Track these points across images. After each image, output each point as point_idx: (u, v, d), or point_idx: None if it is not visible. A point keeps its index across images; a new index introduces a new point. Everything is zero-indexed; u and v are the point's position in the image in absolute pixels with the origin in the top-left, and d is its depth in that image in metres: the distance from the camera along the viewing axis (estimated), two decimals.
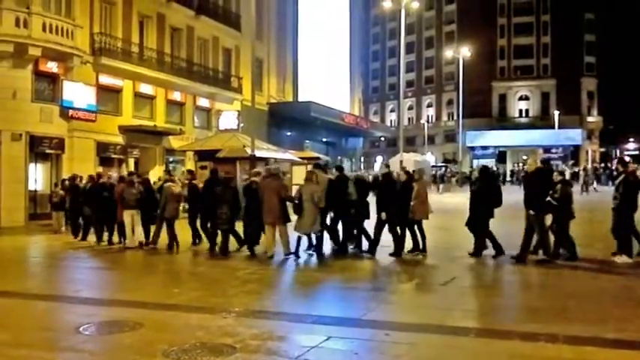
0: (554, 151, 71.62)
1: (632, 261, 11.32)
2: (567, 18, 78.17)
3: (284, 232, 12.88)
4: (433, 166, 57.48)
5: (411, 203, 12.67)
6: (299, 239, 12.84)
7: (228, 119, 33.67)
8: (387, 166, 18.37)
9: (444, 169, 56.40)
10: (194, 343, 6.46)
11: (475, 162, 66.48)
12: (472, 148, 76.03)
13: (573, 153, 74.22)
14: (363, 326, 7.29)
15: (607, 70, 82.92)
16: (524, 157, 64.74)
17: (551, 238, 11.90)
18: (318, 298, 9.58)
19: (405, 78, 51.27)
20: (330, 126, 48.17)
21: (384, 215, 12.65)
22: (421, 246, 12.90)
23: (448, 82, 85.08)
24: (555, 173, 12.53)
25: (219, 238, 13.83)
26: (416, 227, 12.95)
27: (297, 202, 12.77)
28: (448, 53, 60.40)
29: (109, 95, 28.68)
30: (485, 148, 77.32)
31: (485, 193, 12.29)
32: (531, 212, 11.51)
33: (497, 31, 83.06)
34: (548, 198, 11.51)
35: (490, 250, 12.29)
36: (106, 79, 28.22)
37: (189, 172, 16.46)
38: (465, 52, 51.90)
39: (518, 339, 6.61)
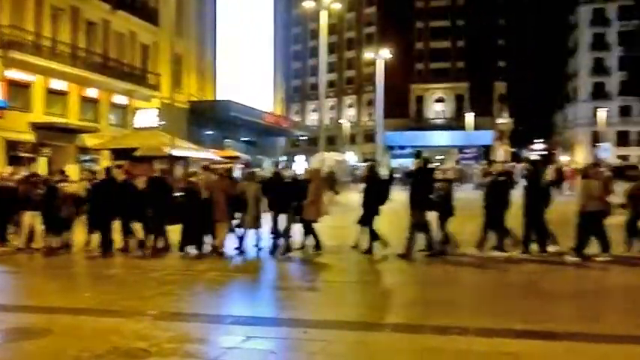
0: (467, 151, 73.98)
1: (557, 249, 11.83)
2: (481, 23, 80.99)
3: (224, 230, 12.91)
4: (353, 166, 58.16)
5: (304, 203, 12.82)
6: (243, 235, 13.13)
7: (147, 117, 32.92)
8: (277, 164, 18.55)
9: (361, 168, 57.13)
10: (107, 348, 6.26)
11: (393, 161, 67.82)
12: (391, 148, 77.62)
13: (486, 153, 77.04)
14: (281, 325, 7.31)
15: (517, 75, 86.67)
16: (439, 157, 66.80)
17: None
18: (237, 298, 9.52)
19: (326, 78, 51.56)
20: (251, 125, 47.92)
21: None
22: (310, 244, 12.99)
23: (368, 83, 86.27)
24: (438, 172, 12.94)
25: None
26: (314, 226, 13.06)
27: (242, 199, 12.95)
28: (368, 55, 61.23)
29: (18, 90, 27.43)
30: (403, 148, 79.01)
31: (372, 191, 12.53)
32: (414, 208, 11.80)
33: (415, 35, 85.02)
34: (432, 195, 11.85)
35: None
36: (15, 74, 26.97)
37: (92, 172, 15.86)
38: (385, 54, 52.75)
39: (430, 332, 6.80)
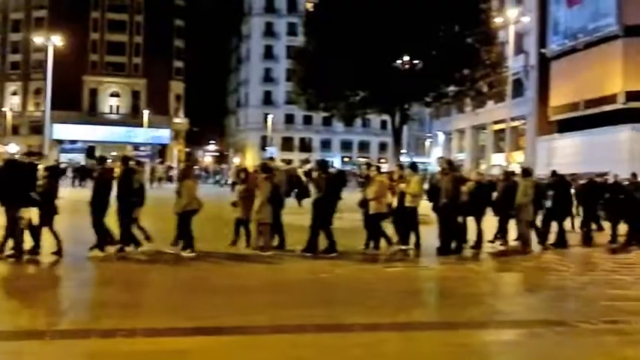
0: (142, 149, 73.63)
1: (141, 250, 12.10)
2: (159, 21, 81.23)
3: None
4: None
5: None
6: None
7: None
8: None
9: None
10: None
11: (63, 156, 64.05)
12: (60, 142, 73.43)
13: (161, 152, 77.55)
14: None
15: (193, 76, 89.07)
16: (113, 154, 64.97)
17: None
18: None
19: None
20: None
21: None
22: None
23: (36, 70, 79.72)
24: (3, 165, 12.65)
25: None
26: None
27: None
28: (37, 40, 56.58)
29: None
30: (74, 142, 75.55)
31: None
32: (4, 205, 11.23)
33: (91, 25, 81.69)
34: (32, 193, 11.53)
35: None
36: None
37: None
38: (56, 41, 49.34)
39: (96, 336, 6.57)
